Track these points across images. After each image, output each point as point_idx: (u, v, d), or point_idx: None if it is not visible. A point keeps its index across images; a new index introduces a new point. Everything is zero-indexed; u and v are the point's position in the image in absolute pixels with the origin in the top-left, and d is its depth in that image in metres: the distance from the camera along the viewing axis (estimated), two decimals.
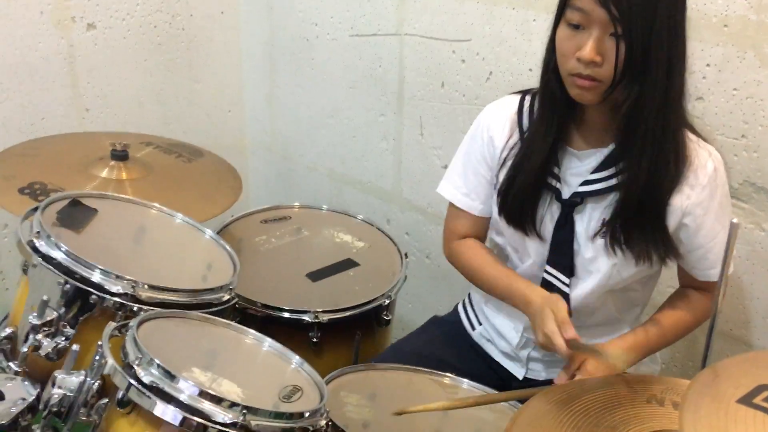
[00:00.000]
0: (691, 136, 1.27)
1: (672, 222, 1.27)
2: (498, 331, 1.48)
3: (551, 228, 1.33)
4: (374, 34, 2.09)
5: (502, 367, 1.50)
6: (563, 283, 1.34)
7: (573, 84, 1.20)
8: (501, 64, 1.83)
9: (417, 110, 2.06)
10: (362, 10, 2.09)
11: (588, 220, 1.31)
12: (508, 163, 1.35)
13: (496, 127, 1.38)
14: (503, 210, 1.36)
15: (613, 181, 1.27)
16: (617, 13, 1.12)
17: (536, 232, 1.34)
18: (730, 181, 1.50)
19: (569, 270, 1.33)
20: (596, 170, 1.28)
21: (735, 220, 0.91)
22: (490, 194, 1.41)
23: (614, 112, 1.22)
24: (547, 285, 1.35)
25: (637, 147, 1.22)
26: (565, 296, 1.34)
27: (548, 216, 1.33)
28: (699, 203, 1.26)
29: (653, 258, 1.28)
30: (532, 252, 1.37)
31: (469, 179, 1.43)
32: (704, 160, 1.26)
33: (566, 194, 1.31)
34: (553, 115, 1.28)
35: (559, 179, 1.32)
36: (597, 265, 1.31)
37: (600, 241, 1.30)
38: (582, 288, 1.34)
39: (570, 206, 1.31)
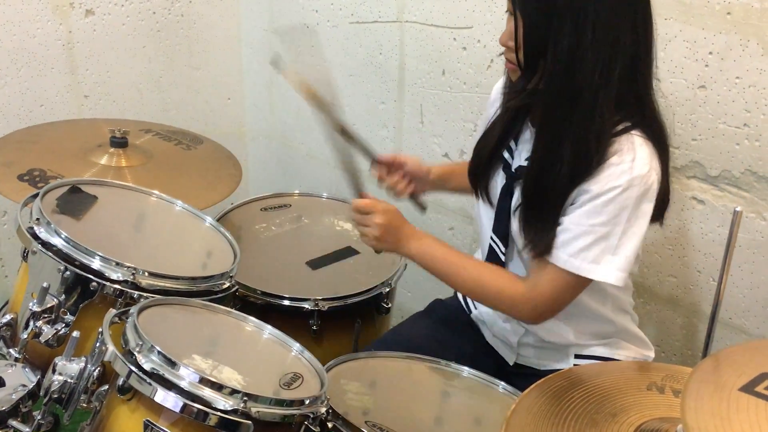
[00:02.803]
0: (635, 140, 1.19)
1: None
2: (491, 315, 1.49)
3: (497, 196, 1.37)
4: (375, 21, 2.08)
5: (495, 351, 1.50)
6: (501, 251, 1.37)
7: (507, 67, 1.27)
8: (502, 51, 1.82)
9: (417, 98, 2.05)
10: None
11: (518, 195, 1.31)
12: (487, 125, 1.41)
13: (491, 102, 1.45)
14: (469, 165, 1.42)
15: (526, 164, 1.30)
16: None
17: (487, 198, 1.38)
18: (732, 169, 1.50)
19: (505, 239, 1.36)
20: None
21: (738, 208, 0.91)
22: None
23: (519, 95, 1.25)
24: (491, 252, 1.39)
25: (538, 135, 1.25)
26: (503, 265, 1.37)
27: (498, 185, 1.37)
28: (585, 193, 1.19)
29: (539, 247, 1.24)
30: (484, 218, 1.41)
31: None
32: (617, 170, 1.17)
33: (514, 166, 1.34)
34: (509, 93, 1.31)
35: (512, 153, 1.35)
36: (518, 239, 1.31)
37: (518, 216, 1.31)
38: (516, 260, 1.36)
39: (512, 178, 1.33)
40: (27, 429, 1.20)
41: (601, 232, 1.19)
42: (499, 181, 1.36)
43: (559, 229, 1.23)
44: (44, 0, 2.07)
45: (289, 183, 2.52)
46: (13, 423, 1.21)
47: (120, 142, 1.76)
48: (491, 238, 1.38)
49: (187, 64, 2.42)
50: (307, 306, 1.56)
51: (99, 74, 2.25)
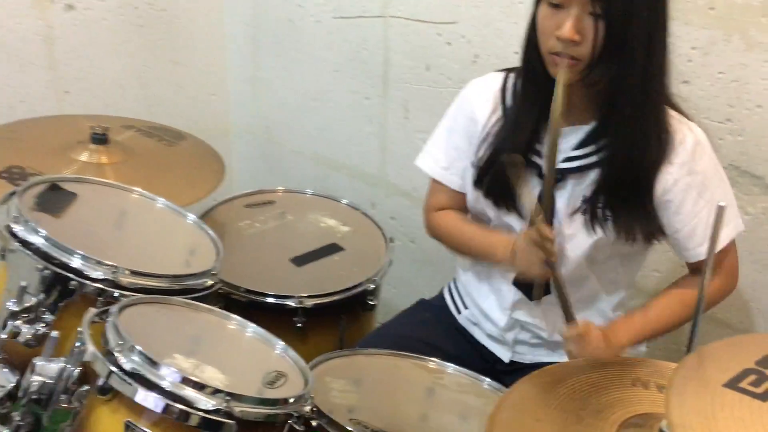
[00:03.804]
0: (673, 113, 1.27)
1: (656, 199, 1.27)
2: (484, 314, 1.48)
3: (532, 205, 1.33)
4: (359, 16, 2.06)
5: (487, 350, 1.50)
6: None
7: (552, 62, 1.21)
8: (487, 46, 1.81)
9: (402, 93, 2.04)
10: None
11: (569, 197, 1.31)
12: (490, 140, 1.35)
13: (479, 103, 1.38)
14: (481, 185, 1.37)
15: (593, 159, 1.28)
16: None
17: (516, 209, 1.34)
18: None
19: None
20: (577, 147, 1.29)
21: (722, 203, 0.91)
22: (468, 169, 1.42)
23: (594, 91, 1.23)
24: None
25: (617, 125, 1.23)
26: None
27: (530, 193, 1.33)
28: (678, 179, 1.26)
29: (637, 236, 1.28)
30: (514, 228, 1.37)
31: (449, 153, 1.44)
32: (683, 137, 1.26)
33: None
34: (535, 92, 1.28)
35: (541, 156, 1.32)
36: (576, 241, 1.31)
37: (580, 218, 1.30)
38: (562, 264, 1.34)
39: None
40: (6, 430, 1.18)
41: (720, 194, 1.28)
42: (533, 188, 1.32)
43: (687, 230, 1.29)
44: None
45: (274, 179, 2.50)
46: None
47: (101, 139, 1.73)
48: None
49: (170, 59, 2.39)
50: (291, 303, 1.55)
51: (80, 69, 2.22)
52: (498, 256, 1.35)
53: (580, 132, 1.29)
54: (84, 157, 1.71)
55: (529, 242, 1.23)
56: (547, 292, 1.35)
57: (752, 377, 0.82)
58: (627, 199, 1.26)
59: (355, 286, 1.62)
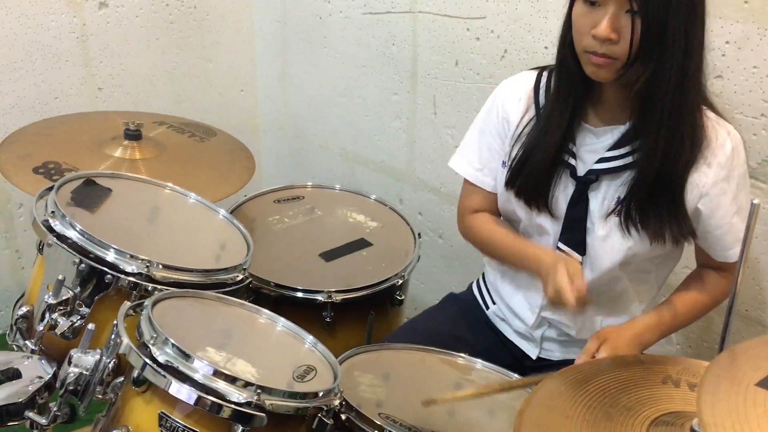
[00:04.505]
0: (709, 114, 1.25)
1: (689, 201, 1.25)
2: (513, 311, 1.48)
3: (564, 205, 1.32)
4: (388, 12, 2.07)
5: (515, 346, 1.50)
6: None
7: (588, 61, 1.19)
8: (516, 41, 1.80)
9: (430, 89, 2.04)
10: None
11: (603, 198, 1.30)
12: (523, 139, 1.34)
13: (511, 103, 1.37)
14: (513, 185, 1.36)
15: (629, 159, 1.26)
16: None
17: (548, 209, 1.33)
18: (748, 160, 1.48)
19: (582, 247, 1.33)
20: (612, 148, 1.27)
21: (756, 201, 0.89)
22: (499, 171, 1.41)
23: (630, 90, 1.20)
24: None
25: (654, 125, 1.20)
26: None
27: (562, 193, 1.32)
28: (716, 183, 1.24)
29: (667, 237, 1.27)
30: (547, 228, 1.36)
31: (482, 155, 1.43)
32: (723, 140, 1.24)
33: (581, 171, 1.30)
34: (570, 91, 1.27)
35: (574, 156, 1.31)
36: (610, 243, 1.30)
37: (614, 220, 1.28)
38: (595, 266, 1.33)
39: (585, 184, 1.30)
40: (43, 420, 1.21)
41: (743, 197, 1.30)
42: (563, 189, 1.32)
43: (718, 233, 1.28)
44: None
45: (303, 175, 2.52)
46: (30, 414, 1.22)
47: (134, 135, 1.76)
48: (559, 248, 1.35)
49: (200, 56, 2.42)
50: (320, 298, 1.56)
51: (113, 66, 2.25)
52: (532, 270, 1.35)
53: (615, 132, 1.27)
54: (118, 152, 1.74)
55: (552, 289, 1.24)
56: None
57: None
58: (660, 201, 1.25)
59: (383, 282, 1.63)
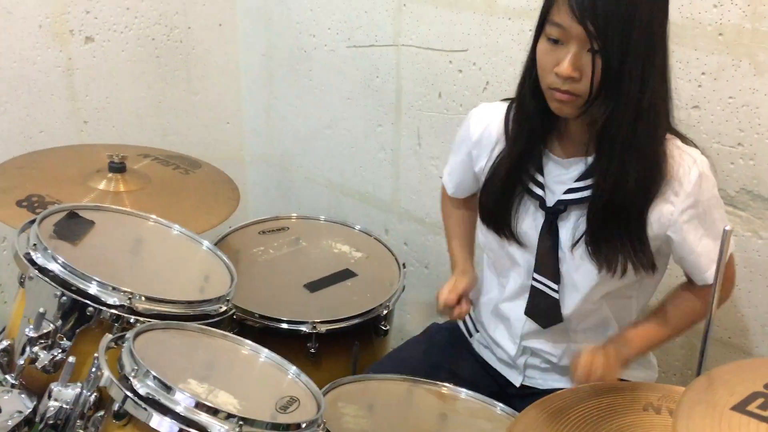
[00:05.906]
0: (678, 143, 1.27)
1: (657, 230, 1.26)
2: (495, 342, 1.48)
3: (536, 235, 1.34)
4: (371, 45, 2.10)
5: (499, 373, 1.50)
6: (552, 289, 1.34)
7: (552, 97, 1.22)
8: (498, 74, 1.83)
9: (414, 120, 2.06)
10: (359, 21, 2.10)
11: (572, 228, 1.31)
12: (492, 167, 1.38)
13: (480, 128, 1.42)
14: (480, 211, 1.40)
15: (593, 191, 1.28)
16: (594, 30, 1.12)
17: (514, 238, 1.36)
18: (727, 188, 1.50)
19: (557, 276, 1.34)
20: (579, 179, 1.29)
21: (728, 227, 0.91)
22: (466, 182, 1.50)
23: (592, 125, 1.23)
24: (537, 292, 1.36)
25: (609, 158, 1.22)
26: (555, 302, 1.34)
27: (533, 224, 1.34)
28: (683, 210, 1.25)
29: (628, 268, 1.27)
30: (518, 260, 1.38)
31: (455, 161, 1.52)
32: (688, 167, 1.25)
33: (550, 202, 1.32)
34: (524, 126, 1.30)
35: (542, 187, 1.32)
36: (582, 272, 1.31)
37: (583, 249, 1.30)
38: (571, 295, 1.34)
39: (554, 214, 1.31)
40: None
41: (718, 218, 1.29)
42: (532, 219, 1.34)
43: (692, 258, 1.29)
44: (44, 27, 2.10)
45: (288, 206, 2.53)
46: None
47: (118, 167, 1.77)
48: (534, 278, 1.36)
49: (186, 89, 2.44)
50: (304, 329, 1.56)
51: (99, 100, 2.27)
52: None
53: (581, 164, 1.29)
54: (102, 185, 1.74)
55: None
56: (558, 320, 1.35)
57: (760, 400, 0.81)
58: (613, 233, 1.26)
59: (368, 312, 1.64)
